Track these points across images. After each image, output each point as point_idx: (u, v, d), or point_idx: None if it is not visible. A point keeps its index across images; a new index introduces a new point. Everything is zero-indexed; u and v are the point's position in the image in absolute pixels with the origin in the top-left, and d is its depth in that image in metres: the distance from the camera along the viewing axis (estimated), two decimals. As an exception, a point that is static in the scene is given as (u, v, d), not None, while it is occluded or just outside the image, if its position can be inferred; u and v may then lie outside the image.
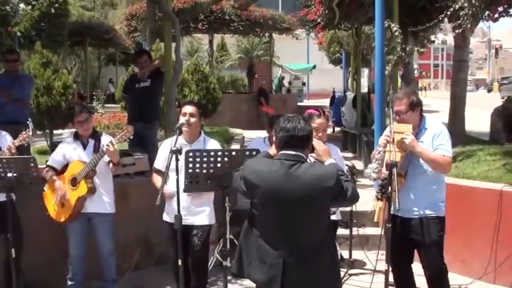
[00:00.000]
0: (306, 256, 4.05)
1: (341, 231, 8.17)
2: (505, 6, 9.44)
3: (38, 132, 6.38)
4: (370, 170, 5.37)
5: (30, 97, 9.72)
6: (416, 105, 5.47)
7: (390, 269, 5.20)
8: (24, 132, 6.27)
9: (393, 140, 5.27)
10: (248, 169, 4.20)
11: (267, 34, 26.48)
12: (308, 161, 4.22)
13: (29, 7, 20.97)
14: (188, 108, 5.94)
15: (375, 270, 6.08)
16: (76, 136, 6.57)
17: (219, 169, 5.23)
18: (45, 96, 10.68)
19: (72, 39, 27.66)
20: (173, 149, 5.30)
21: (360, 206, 7.80)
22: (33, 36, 21.31)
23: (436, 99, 34.04)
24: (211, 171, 5.24)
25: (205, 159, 5.22)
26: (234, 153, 5.39)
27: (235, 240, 6.68)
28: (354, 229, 8.09)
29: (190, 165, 5.24)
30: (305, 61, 42.03)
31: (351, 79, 26.07)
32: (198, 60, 19.53)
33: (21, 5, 19.83)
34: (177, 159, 5.27)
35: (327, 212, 4.25)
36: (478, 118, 17.38)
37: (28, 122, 6.38)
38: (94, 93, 26.70)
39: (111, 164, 6.36)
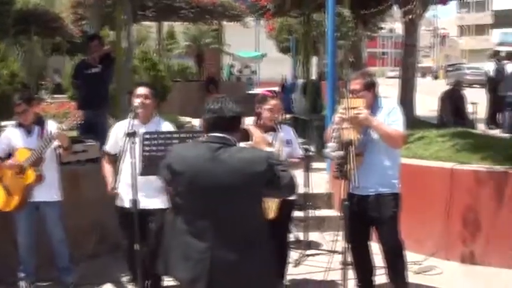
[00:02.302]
0: (237, 249, 3.68)
1: (296, 213, 8.25)
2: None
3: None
4: (329, 149, 5.34)
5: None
6: (371, 86, 5.55)
7: (348, 246, 5.22)
8: None
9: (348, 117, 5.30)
10: (172, 155, 3.88)
11: (216, 22, 26.34)
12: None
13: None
14: (142, 90, 5.87)
15: (333, 250, 6.09)
16: (19, 123, 6.42)
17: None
18: (-10, 85, 10.41)
19: (17, 28, 27.02)
20: (128, 131, 5.25)
21: (314, 189, 7.98)
22: (-24, 25, 20.76)
23: (383, 86, 34.40)
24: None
25: (162, 141, 5.15)
26: (191, 134, 5.28)
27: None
28: (309, 211, 8.14)
29: (147, 148, 5.17)
30: (253, 49, 42.07)
31: (300, 67, 26.08)
32: (146, 48, 19.37)
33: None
34: (132, 143, 5.22)
35: (260, 200, 3.88)
36: (426, 103, 17.73)
37: None
38: (42, 82, 26.21)
39: (61, 149, 6.24)
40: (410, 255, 7.08)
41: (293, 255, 7.40)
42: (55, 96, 23.71)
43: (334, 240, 5.90)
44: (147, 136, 5.17)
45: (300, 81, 18.48)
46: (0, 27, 22.04)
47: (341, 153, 5.13)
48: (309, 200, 8.10)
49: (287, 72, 30.16)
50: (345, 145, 5.10)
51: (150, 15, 22.73)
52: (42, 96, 21.11)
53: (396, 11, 14.65)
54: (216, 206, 3.67)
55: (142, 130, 5.52)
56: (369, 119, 5.33)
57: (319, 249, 7.79)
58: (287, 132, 6.02)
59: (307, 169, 7.72)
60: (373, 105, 5.56)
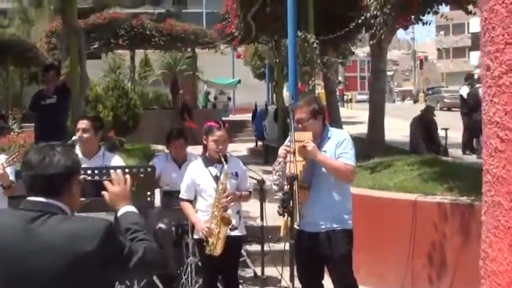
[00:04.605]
0: None
1: (254, 247, 7.99)
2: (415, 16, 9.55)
3: None
4: (271, 182, 5.16)
5: None
6: (318, 113, 5.25)
7: (296, 285, 5.06)
8: None
9: (294, 150, 5.06)
10: None
11: (189, 49, 26.36)
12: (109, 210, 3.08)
13: None
14: (81, 124, 5.72)
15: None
16: None
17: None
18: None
19: (-8, 58, 27.02)
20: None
21: (273, 221, 7.66)
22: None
23: (362, 111, 34.44)
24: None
25: (97, 177, 4.92)
26: (128, 170, 5.07)
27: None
28: (267, 245, 7.84)
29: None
30: (230, 76, 42.09)
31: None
32: (118, 77, 19.29)
33: None
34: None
35: (99, 285, 2.71)
36: (402, 128, 17.58)
37: None
38: (10, 112, 26.04)
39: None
40: (373, 292, 6.88)
41: (249, 291, 7.19)
42: (27, 125, 23.44)
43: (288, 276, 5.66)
44: (82, 172, 4.93)
45: (272, 107, 18.39)
46: (-23, 59, 21.98)
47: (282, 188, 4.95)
48: (269, 233, 7.80)
49: (263, 98, 30.17)
50: (289, 180, 4.86)
51: (123, 44, 22.79)
52: (11, 126, 20.85)
53: (365, 35, 14.58)
54: None
55: (86, 165, 5.29)
56: (313, 152, 5.03)
57: (276, 286, 7.45)
58: (235, 164, 5.80)
59: (262, 201, 7.44)
60: (322, 135, 5.28)
